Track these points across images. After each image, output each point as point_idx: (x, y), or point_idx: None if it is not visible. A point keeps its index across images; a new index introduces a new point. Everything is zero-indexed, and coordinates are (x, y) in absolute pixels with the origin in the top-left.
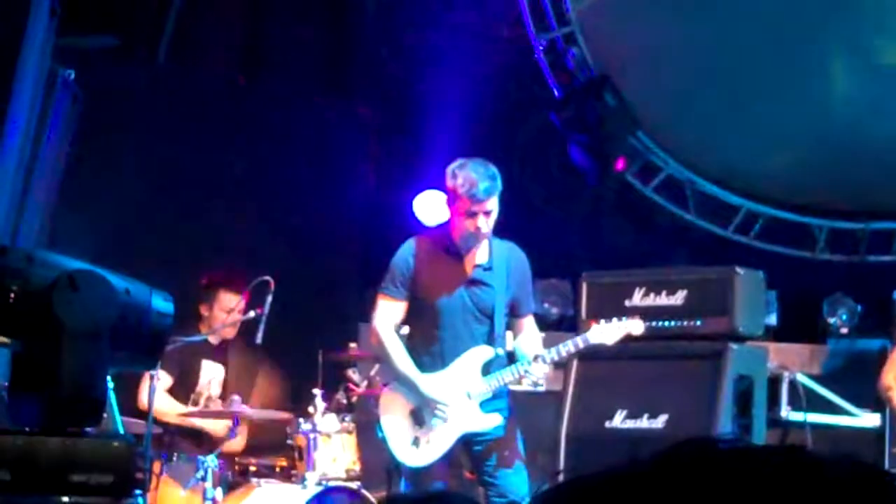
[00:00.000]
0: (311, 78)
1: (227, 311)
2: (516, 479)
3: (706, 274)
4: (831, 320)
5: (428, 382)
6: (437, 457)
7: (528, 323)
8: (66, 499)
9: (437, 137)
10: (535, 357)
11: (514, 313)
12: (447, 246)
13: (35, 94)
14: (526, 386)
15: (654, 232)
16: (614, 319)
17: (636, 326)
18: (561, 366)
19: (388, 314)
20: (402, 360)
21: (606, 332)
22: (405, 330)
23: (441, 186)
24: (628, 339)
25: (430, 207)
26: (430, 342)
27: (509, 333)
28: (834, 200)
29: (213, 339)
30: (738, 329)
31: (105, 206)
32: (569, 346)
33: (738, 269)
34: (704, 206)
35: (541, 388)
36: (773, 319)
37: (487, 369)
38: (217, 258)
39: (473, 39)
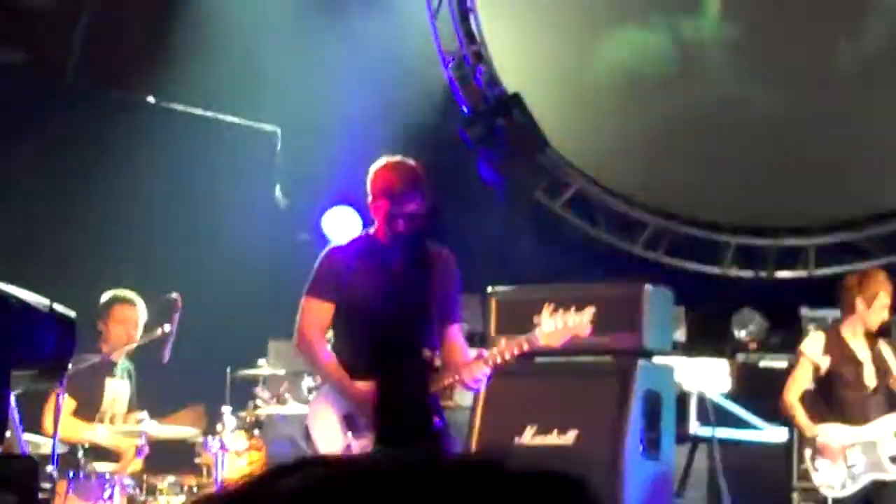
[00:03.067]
0: (220, 95)
1: (122, 322)
2: None
3: (615, 290)
4: (739, 335)
5: (360, 388)
6: None
7: (456, 332)
8: None
9: (345, 154)
10: (475, 358)
11: (441, 320)
12: (372, 248)
13: None
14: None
15: (564, 248)
16: (560, 319)
17: (583, 327)
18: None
19: (314, 316)
20: (331, 365)
21: (552, 334)
22: (329, 335)
23: (350, 202)
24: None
25: (338, 224)
26: (358, 347)
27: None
28: (743, 217)
29: (116, 356)
30: (647, 345)
31: (8, 221)
32: (511, 346)
33: (647, 286)
34: (613, 222)
35: (449, 403)
36: (681, 335)
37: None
38: (121, 276)
39: (383, 53)
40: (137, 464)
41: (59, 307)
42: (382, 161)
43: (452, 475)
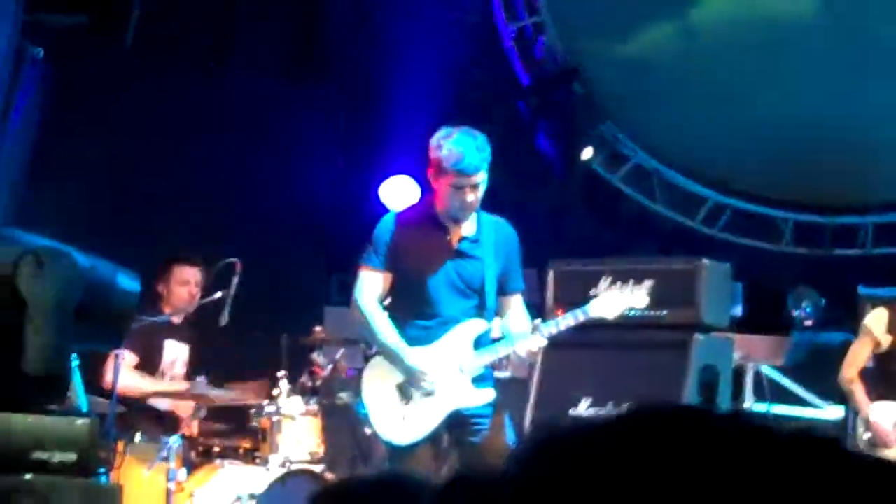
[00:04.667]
0: (280, 63)
1: (183, 283)
2: None
3: (673, 264)
4: (795, 313)
5: (416, 355)
6: (424, 434)
7: (516, 302)
8: (28, 476)
9: (403, 124)
10: (532, 329)
11: (501, 290)
12: (432, 218)
13: (3, 70)
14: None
15: (621, 222)
16: (617, 292)
17: (640, 299)
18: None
19: (370, 286)
20: (387, 331)
21: (608, 306)
22: (386, 302)
23: (408, 171)
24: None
25: (396, 193)
26: (416, 316)
27: (497, 317)
28: (801, 194)
29: (176, 319)
30: (704, 320)
31: (71, 186)
32: (568, 319)
33: (705, 260)
34: (671, 196)
35: (505, 375)
36: (738, 311)
37: (478, 344)
38: (183, 240)
39: (442, 26)
40: (195, 426)
41: (123, 270)
42: (448, 131)
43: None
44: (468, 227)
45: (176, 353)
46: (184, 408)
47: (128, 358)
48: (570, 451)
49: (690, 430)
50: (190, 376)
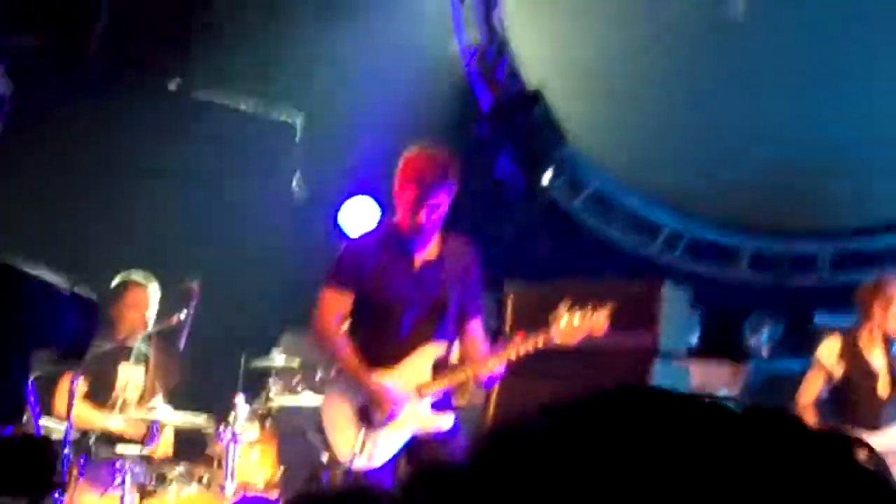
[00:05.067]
0: (242, 84)
1: (135, 307)
2: None
3: (632, 288)
4: (752, 340)
5: (376, 378)
6: (385, 459)
7: (476, 326)
8: None
9: (364, 146)
10: (490, 354)
11: (461, 315)
12: (394, 238)
13: None
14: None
15: (580, 247)
16: (577, 317)
17: (599, 327)
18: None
19: (333, 306)
20: (348, 355)
21: (568, 332)
22: (345, 326)
23: (368, 193)
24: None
25: (356, 214)
26: (375, 339)
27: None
28: (759, 220)
29: (130, 341)
30: (663, 344)
31: (26, 204)
32: (527, 343)
33: (665, 284)
34: (630, 222)
35: (462, 403)
36: (695, 338)
37: (437, 368)
38: (137, 262)
39: (401, 48)
40: (155, 450)
41: (80, 290)
42: (415, 149)
43: None
44: (431, 250)
45: (129, 377)
46: (139, 431)
47: (79, 385)
48: (533, 433)
49: (652, 407)
50: (144, 399)
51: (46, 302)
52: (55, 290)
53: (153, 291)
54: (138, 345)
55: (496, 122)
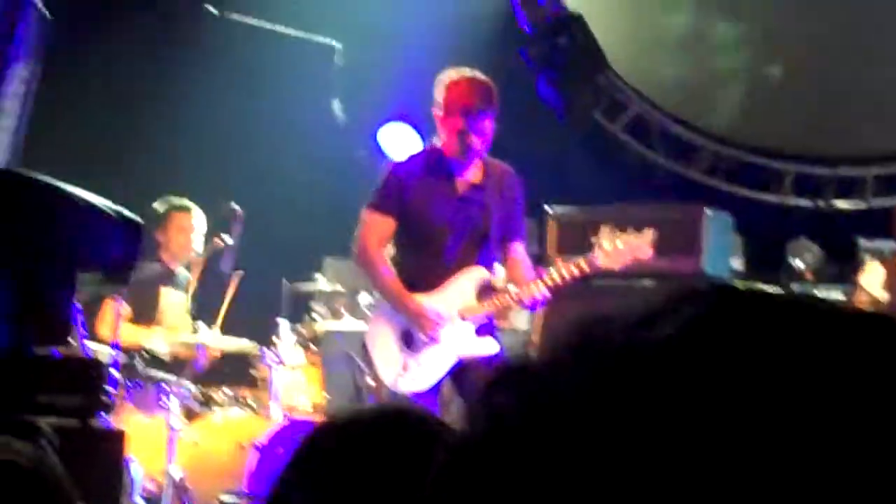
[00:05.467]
0: (277, 9)
1: (182, 231)
2: None
3: (674, 212)
4: (795, 264)
5: (419, 302)
6: (430, 383)
7: (519, 249)
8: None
9: (403, 70)
10: (534, 278)
11: (504, 238)
12: (438, 163)
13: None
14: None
15: (621, 171)
16: (620, 241)
17: (644, 251)
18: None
19: (375, 230)
20: (389, 278)
21: (612, 257)
22: (390, 250)
23: (406, 118)
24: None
25: (394, 139)
26: (419, 262)
27: (499, 265)
28: (802, 144)
29: (174, 266)
30: (706, 269)
31: (72, 129)
32: (571, 268)
33: (707, 209)
34: (671, 146)
35: (505, 324)
36: (737, 263)
37: (481, 293)
38: (183, 187)
39: None
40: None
41: (125, 211)
42: (456, 75)
43: None
44: (474, 174)
45: (172, 301)
46: (184, 354)
47: (123, 309)
48: (627, 333)
49: (756, 303)
50: (187, 323)
51: (92, 223)
52: (100, 212)
53: (198, 217)
54: (181, 269)
55: (537, 44)
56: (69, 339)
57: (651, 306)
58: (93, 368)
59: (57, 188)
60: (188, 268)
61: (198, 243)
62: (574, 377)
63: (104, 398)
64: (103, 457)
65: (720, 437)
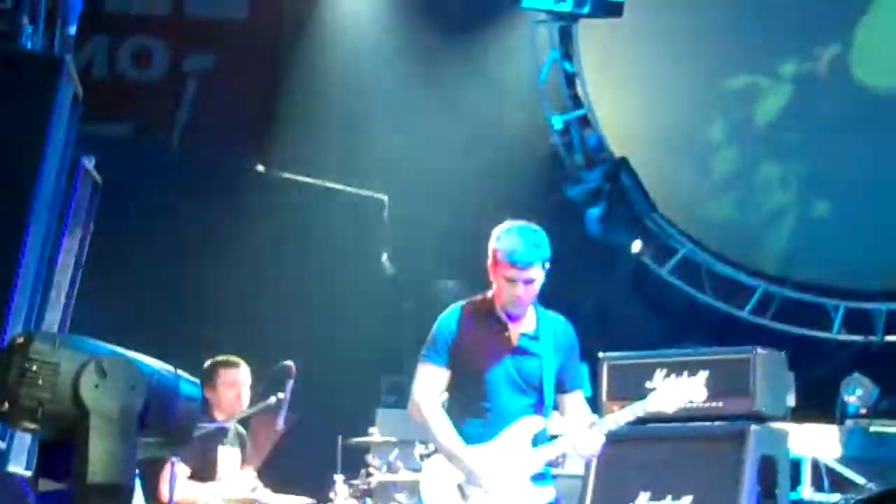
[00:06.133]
0: (327, 163)
1: (231, 385)
2: None
3: (727, 354)
4: (849, 401)
5: (474, 455)
6: None
7: (577, 399)
8: None
9: (453, 222)
10: (590, 425)
11: (560, 388)
12: (490, 313)
13: (58, 181)
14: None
15: (670, 314)
16: (673, 384)
17: (698, 392)
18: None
19: (430, 383)
20: (445, 431)
21: (667, 399)
22: (444, 397)
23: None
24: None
25: (449, 294)
26: (473, 413)
27: (555, 413)
28: (850, 281)
29: (227, 423)
30: (761, 410)
31: (116, 292)
32: (626, 413)
33: (760, 350)
34: (720, 287)
35: (561, 472)
36: (791, 401)
37: (536, 441)
38: (233, 343)
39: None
40: None
41: (183, 374)
42: (507, 224)
43: None
44: (527, 323)
45: (229, 458)
46: None
47: (182, 470)
48: None
49: None
50: (243, 479)
51: (154, 386)
52: (161, 375)
53: (245, 371)
54: (234, 425)
55: (584, 190)
56: (131, 503)
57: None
58: None
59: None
60: (242, 424)
61: (245, 396)
62: None
63: None
64: None
65: None
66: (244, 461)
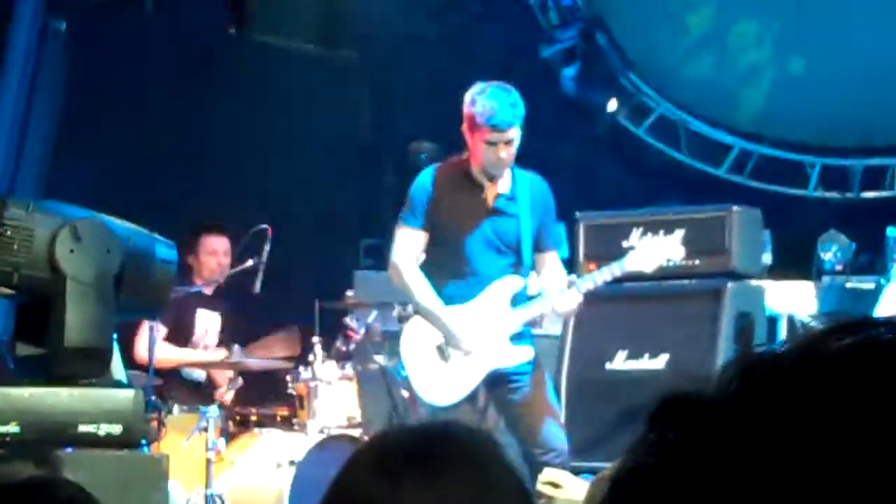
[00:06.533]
0: (300, 28)
1: (212, 253)
2: (555, 430)
3: (703, 212)
4: (825, 258)
5: (453, 315)
6: (464, 395)
7: (552, 259)
8: (71, 450)
9: (427, 79)
10: (569, 285)
11: (537, 247)
12: (467, 176)
13: (28, 45)
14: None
15: (646, 173)
16: (650, 243)
17: (676, 250)
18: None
19: (409, 245)
20: (425, 293)
21: (645, 258)
22: (421, 259)
23: (434, 134)
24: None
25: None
26: (452, 275)
27: (533, 273)
28: (827, 136)
29: (207, 289)
30: (737, 267)
31: (97, 156)
32: (604, 273)
33: (735, 207)
34: (697, 146)
35: (539, 332)
36: (767, 258)
37: (515, 301)
38: (211, 207)
39: None
40: (231, 395)
41: (160, 240)
42: (481, 87)
43: None
44: (503, 184)
45: (208, 323)
46: (219, 376)
47: (159, 329)
48: (796, 364)
49: None
50: (222, 345)
51: (130, 249)
52: (138, 238)
53: (228, 238)
54: (213, 289)
55: (559, 48)
56: (110, 366)
57: (807, 339)
58: (133, 396)
59: (91, 216)
60: (220, 288)
61: (226, 263)
62: (742, 412)
63: (145, 426)
64: (145, 482)
65: None
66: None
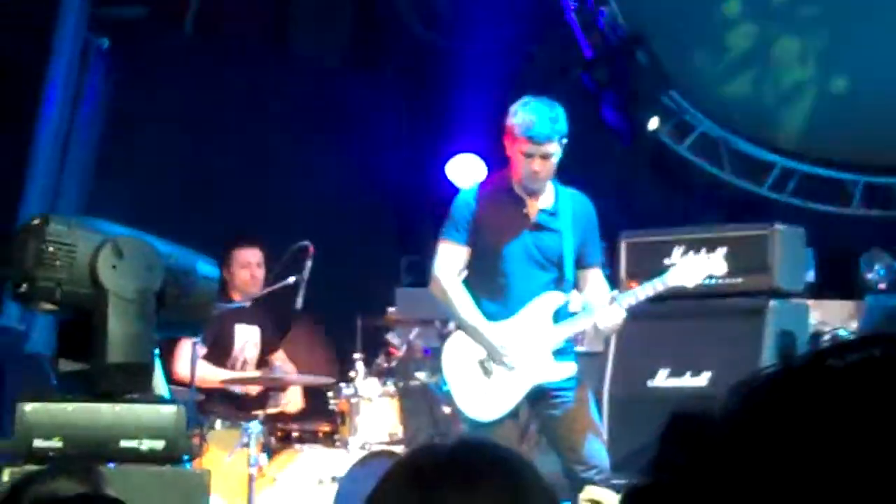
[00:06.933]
0: (341, 47)
1: (245, 265)
2: (598, 447)
3: (746, 231)
4: (868, 276)
5: (496, 330)
6: (506, 410)
7: (596, 275)
8: (113, 465)
9: (467, 102)
10: (611, 301)
11: (579, 264)
12: (509, 190)
13: (71, 63)
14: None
15: (689, 191)
16: (692, 260)
17: (718, 266)
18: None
19: (450, 261)
20: (467, 308)
21: (687, 274)
22: (463, 275)
23: (473, 149)
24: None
25: (463, 171)
26: (494, 290)
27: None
28: (870, 156)
29: (244, 302)
30: (779, 285)
31: (138, 173)
32: (647, 289)
33: (778, 225)
34: (739, 164)
35: (581, 349)
36: (810, 276)
37: (557, 317)
38: (252, 224)
39: (503, 2)
40: (288, 407)
41: (202, 257)
42: (525, 100)
43: None
44: (546, 200)
45: (247, 337)
46: (260, 391)
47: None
48: (808, 389)
49: None
50: (262, 360)
51: (172, 268)
52: (180, 257)
53: (260, 250)
54: (251, 305)
55: (599, 69)
56: (151, 382)
57: (811, 358)
58: (175, 411)
59: (133, 233)
60: (257, 301)
61: (261, 275)
62: (744, 434)
63: (187, 442)
64: (187, 498)
65: None
66: (268, 347)
